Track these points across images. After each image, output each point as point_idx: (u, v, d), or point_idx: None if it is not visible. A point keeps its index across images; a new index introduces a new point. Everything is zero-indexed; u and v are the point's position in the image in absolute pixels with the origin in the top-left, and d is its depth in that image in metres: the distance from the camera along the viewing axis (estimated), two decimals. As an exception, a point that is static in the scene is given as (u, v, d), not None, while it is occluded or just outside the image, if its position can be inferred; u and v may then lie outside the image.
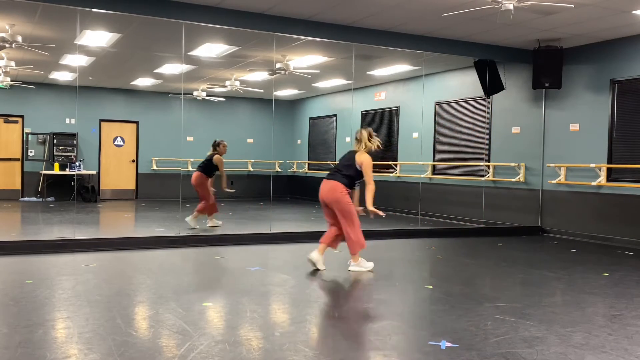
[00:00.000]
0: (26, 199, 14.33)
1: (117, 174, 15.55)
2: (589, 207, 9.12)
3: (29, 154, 14.44)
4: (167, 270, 6.24)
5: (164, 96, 15.54)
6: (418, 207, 11.50)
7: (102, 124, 15.38)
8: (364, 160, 6.01)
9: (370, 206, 5.95)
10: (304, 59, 10.65)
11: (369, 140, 6.10)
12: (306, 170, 16.55)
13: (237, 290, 5.27)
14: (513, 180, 10.24)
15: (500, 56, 9.71)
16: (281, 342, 3.65)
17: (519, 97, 10.27)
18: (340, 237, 6.17)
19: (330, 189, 6.02)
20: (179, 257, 6.89)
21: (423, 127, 11.99)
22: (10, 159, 14.58)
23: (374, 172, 6.10)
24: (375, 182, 6.04)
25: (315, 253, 6.05)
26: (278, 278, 5.76)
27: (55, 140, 14.25)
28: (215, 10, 7.64)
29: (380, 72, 12.00)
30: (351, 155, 6.14)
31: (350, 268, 6.09)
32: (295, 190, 17.02)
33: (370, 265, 6.15)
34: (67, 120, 14.83)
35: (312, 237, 8.61)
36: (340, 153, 14.85)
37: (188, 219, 9.23)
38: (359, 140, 6.13)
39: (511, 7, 6.60)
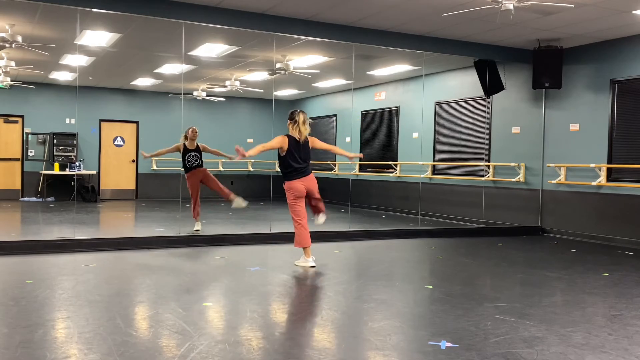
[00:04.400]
0: (26, 199, 14.33)
1: (117, 174, 15.55)
2: (589, 207, 9.12)
3: (29, 154, 14.44)
4: (167, 270, 6.24)
5: (164, 96, 15.54)
6: (418, 207, 11.49)
7: (102, 124, 15.39)
8: (315, 141, 6.41)
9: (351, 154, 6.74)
10: (304, 59, 10.65)
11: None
12: (306, 170, 16.53)
13: (237, 290, 5.27)
14: (513, 180, 10.24)
15: (500, 56, 9.71)
16: (281, 342, 3.65)
17: (519, 97, 10.27)
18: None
19: (313, 180, 6.33)
20: (179, 257, 6.89)
21: (423, 127, 11.99)
22: (10, 159, 14.57)
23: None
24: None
25: (312, 262, 6.25)
26: (278, 278, 5.76)
27: (55, 140, 14.25)
28: (215, 10, 7.64)
29: (380, 72, 12.00)
30: (307, 143, 6.30)
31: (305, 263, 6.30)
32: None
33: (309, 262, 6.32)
34: (67, 120, 14.83)
35: (312, 237, 8.60)
36: (340, 153, 14.85)
37: None
38: (301, 124, 6.23)
39: (511, 7, 6.60)
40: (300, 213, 6.24)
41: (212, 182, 8.73)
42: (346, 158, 6.84)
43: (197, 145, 8.68)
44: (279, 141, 6.15)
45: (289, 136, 6.20)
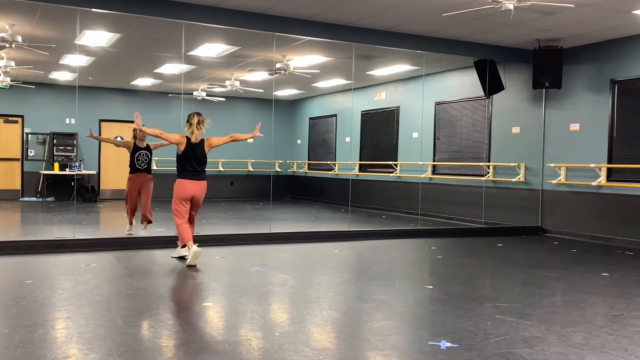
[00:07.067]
0: (26, 199, 14.33)
1: (117, 174, 15.54)
2: (589, 207, 9.12)
3: (29, 154, 14.44)
4: (167, 270, 6.24)
5: (164, 96, 15.54)
6: (418, 207, 11.50)
7: (102, 124, 15.38)
8: (212, 140, 6.54)
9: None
10: (304, 59, 10.65)
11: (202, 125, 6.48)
12: (306, 170, 16.55)
13: (237, 290, 5.27)
14: (513, 180, 10.24)
15: (500, 56, 9.71)
16: (281, 342, 3.65)
17: (519, 97, 10.27)
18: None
19: (204, 188, 6.48)
20: (179, 257, 6.88)
21: (423, 127, 11.99)
22: (10, 159, 14.57)
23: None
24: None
25: (196, 249, 6.29)
26: (278, 278, 5.75)
27: (55, 140, 14.25)
28: (215, 10, 7.65)
29: (380, 72, 12.00)
30: (202, 146, 6.43)
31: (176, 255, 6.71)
32: (295, 190, 17.02)
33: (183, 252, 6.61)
34: (67, 120, 14.83)
35: (312, 237, 8.65)
36: (340, 153, 14.87)
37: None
38: (195, 126, 6.40)
39: (511, 7, 6.60)
40: (183, 215, 6.41)
41: (146, 195, 8.10)
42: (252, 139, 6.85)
43: (147, 144, 8.19)
44: (177, 138, 6.37)
45: (187, 138, 6.40)
